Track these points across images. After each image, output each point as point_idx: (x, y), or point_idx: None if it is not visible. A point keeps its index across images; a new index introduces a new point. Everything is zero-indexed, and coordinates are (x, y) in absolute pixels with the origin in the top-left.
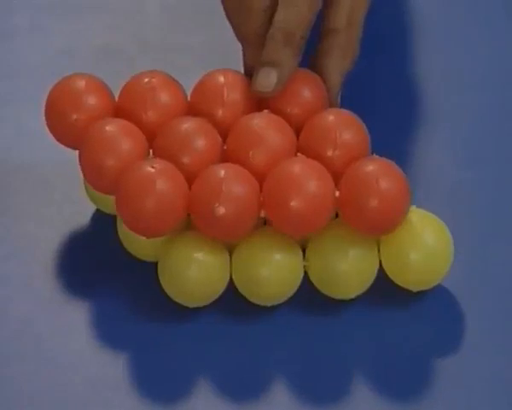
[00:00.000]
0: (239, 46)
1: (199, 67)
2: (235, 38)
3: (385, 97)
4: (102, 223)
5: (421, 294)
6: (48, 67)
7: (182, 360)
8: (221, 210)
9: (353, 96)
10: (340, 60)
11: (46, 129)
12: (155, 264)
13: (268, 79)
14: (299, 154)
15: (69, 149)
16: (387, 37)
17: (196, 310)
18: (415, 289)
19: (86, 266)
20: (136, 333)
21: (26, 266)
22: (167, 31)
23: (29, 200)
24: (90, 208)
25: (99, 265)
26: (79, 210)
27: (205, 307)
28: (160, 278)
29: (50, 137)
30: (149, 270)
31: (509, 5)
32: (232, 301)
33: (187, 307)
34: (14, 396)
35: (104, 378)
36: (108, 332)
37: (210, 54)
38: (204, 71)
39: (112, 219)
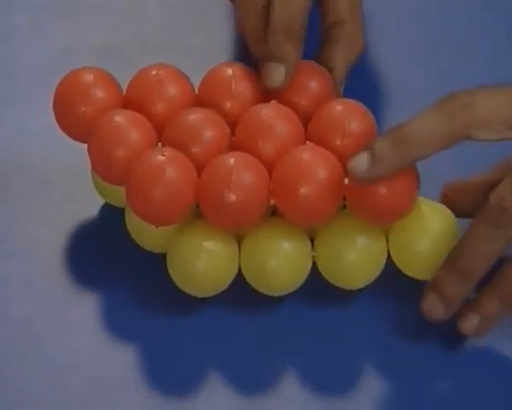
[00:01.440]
0: (239, 46)
1: (199, 67)
2: (236, 36)
3: (385, 93)
4: (103, 223)
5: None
6: (48, 67)
7: (189, 352)
8: (231, 197)
9: (355, 91)
10: (347, 49)
11: (46, 129)
12: (162, 257)
13: (277, 74)
14: (307, 142)
15: (69, 149)
16: (391, 32)
17: (204, 301)
18: (423, 278)
19: (87, 265)
20: (143, 326)
21: (26, 266)
22: (167, 31)
23: (29, 200)
24: (91, 208)
25: (100, 264)
26: (79, 210)
27: (213, 297)
28: (169, 267)
29: (50, 137)
30: (154, 263)
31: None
32: (240, 293)
33: (194, 299)
34: (14, 396)
35: (106, 377)
36: (112, 328)
37: (210, 54)
38: (204, 71)
39: (113, 218)
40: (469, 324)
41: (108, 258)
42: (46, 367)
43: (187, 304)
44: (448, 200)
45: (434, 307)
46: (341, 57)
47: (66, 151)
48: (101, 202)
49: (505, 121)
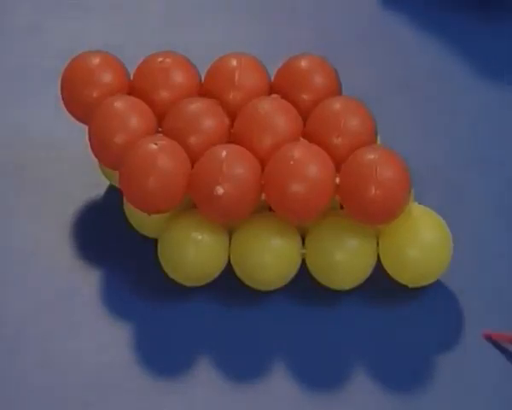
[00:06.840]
0: (239, 46)
1: (198, 67)
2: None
3: (386, 92)
4: (102, 224)
5: (419, 289)
6: (48, 67)
7: (176, 342)
8: (221, 190)
9: (355, 89)
10: None
11: (46, 128)
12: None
13: None
14: (301, 138)
15: (69, 149)
16: (392, 30)
17: (193, 290)
18: (413, 284)
19: (87, 264)
20: (145, 322)
21: (26, 265)
22: (167, 31)
23: (29, 200)
24: (90, 208)
25: (100, 264)
26: (80, 210)
27: (203, 287)
28: (159, 255)
29: (50, 136)
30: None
31: None
32: (231, 284)
33: (185, 287)
34: (15, 396)
35: (106, 377)
36: (113, 327)
37: (210, 54)
38: (203, 71)
39: (114, 219)
40: None
41: (109, 258)
42: (46, 366)
43: (179, 290)
44: None
45: None
46: None
47: (66, 151)
48: (101, 202)
49: None
